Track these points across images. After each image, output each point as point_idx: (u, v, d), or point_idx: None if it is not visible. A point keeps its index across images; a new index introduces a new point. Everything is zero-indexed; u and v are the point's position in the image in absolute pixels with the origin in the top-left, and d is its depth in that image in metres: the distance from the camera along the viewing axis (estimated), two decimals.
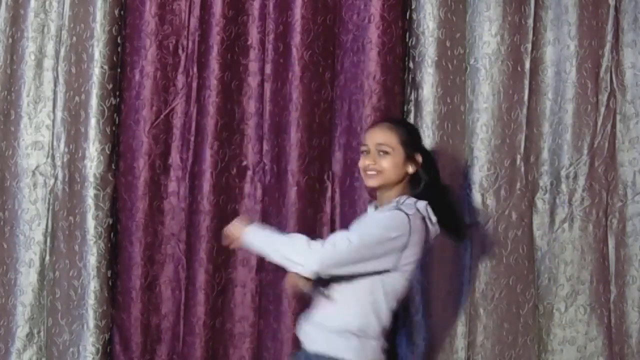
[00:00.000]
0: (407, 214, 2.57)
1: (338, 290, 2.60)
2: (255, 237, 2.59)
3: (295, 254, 2.50)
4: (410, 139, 2.73)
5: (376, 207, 2.75)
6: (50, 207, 3.47)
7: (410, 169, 2.69)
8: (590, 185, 3.37)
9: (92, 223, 3.40)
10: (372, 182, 2.70)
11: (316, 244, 2.51)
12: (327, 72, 3.41)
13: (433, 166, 2.76)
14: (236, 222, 2.68)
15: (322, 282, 2.58)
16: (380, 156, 2.67)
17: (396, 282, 2.60)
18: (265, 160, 3.43)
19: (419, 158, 2.72)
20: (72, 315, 3.43)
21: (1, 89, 3.50)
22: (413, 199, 2.66)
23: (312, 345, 2.63)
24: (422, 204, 2.65)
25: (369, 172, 2.69)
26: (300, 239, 2.54)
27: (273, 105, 3.41)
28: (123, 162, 3.45)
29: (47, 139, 3.49)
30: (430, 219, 2.66)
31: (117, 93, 3.45)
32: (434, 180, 2.74)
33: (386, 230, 2.54)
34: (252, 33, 3.44)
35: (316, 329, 2.63)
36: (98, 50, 3.40)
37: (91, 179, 3.41)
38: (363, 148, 2.74)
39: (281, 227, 3.37)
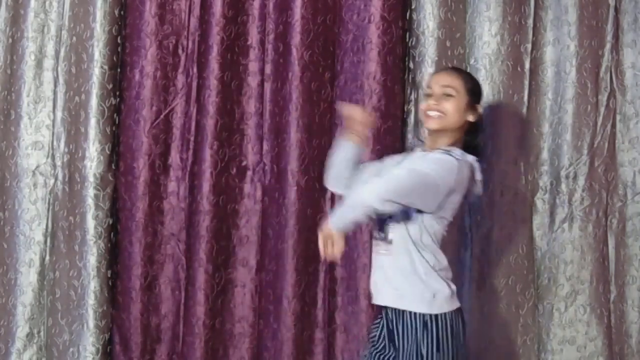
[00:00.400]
0: (456, 159, 2.56)
1: (394, 237, 2.60)
2: (338, 219, 2.52)
3: (362, 197, 2.48)
4: (475, 87, 2.72)
5: (424, 152, 2.72)
6: (50, 207, 3.47)
7: (471, 117, 2.68)
8: (590, 185, 3.37)
9: (92, 223, 3.40)
10: (432, 124, 2.66)
11: (373, 179, 2.54)
12: (327, 72, 3.41)
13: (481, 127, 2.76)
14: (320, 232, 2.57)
15: (380, 226, 2.62)
16: (444, 98, 2.65)
17: (436, 226, 2.58)
18: (265, 160, 3.44)
19: (480, 109, 2.71)
20: (72, 315, 3.43)
21: (1, 89, 3.50)
22: (461, 151, 2.64)
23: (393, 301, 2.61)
24: (471, 157, 2.64)
25: (430, 113, 2.66)
26: (359, 188, 2.57)
27: (273, 105, 3.41)
28: (123, 162, 3.45)
29: (47, 139, 3.49)
30: (474, 175, 2.64)
31: (117, 93, 3.45)
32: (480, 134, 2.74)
33: (435, 170, 2.50)
34: (252, 33, 3.44)
35: (388, 283, 2.61)
36: (98, 50, 3.40)
37: (91, 179, 3.41)
38: (427, 91, 2.71)
39: (281, 227, 3.38)
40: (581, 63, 3.36)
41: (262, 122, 3.43)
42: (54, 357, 3.45)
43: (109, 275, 3.43)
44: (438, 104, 2.65)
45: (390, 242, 2.60)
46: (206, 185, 3.37)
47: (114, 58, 3.43)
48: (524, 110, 3.38)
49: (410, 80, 3.40)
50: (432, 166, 2.52)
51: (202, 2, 3.42)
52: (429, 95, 2.69)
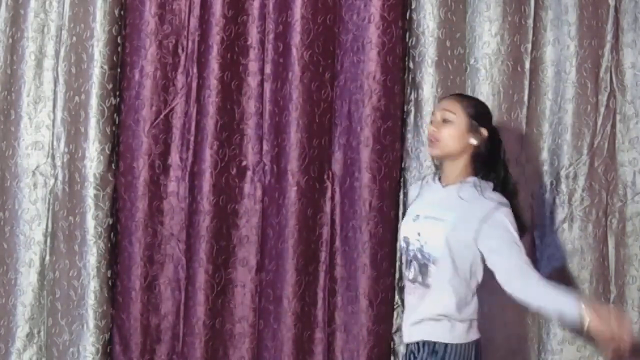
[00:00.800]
0: (505, 207, 2.63)
1: (433, 282, 2.68)
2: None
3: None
4: (477, 111, 2.73)
5: (442, 183, 2.75)
6: (50, 207, 3.47)
7: (474, 141, 2.69)
8: (590, 185, 3.37)
9: (92, 223, 3.40)
10: (430, 151, 2.75)
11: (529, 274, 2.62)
12: (327, 72, 3.41)
13: (498, 144, 2.76)
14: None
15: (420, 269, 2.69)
16: (442, 125, 2.69)
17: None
18: (265, 160, 3.43)
19: (484, 132, 2.72)
20: (72, 315, 3.43)
21: (1, 89, 3.50)
22: (483, 181, 2.68)
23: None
24: (489, 187, 2.69)
25: (430, 139, 2.72)
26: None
27: (273, 105, 3.41)
28: (123, 162, 3.45)
29: (47, 139, 3.49)
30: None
31: (117, 93, 3.45)
32: (498, 158, 2.75)
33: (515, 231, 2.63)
34: (252, 33, 3.44)
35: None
36: (98, 50, 3.40)
37: (91, 179, 3.41)
38: (431, 117, 2.78)
39: (281, 227, 3.38)
40: (581, 63, 3.36)
41: (262, 122, 3.43)
42: (54, 357, 3.45)
43: (109, 275, 3.43)
44: (436, 131, 2.69)
45: (427, 286, 2.65)
46: (206, 185, 3.37)
47: (114, 58, 3.43)
48: (524, 110, 3.38)
49: (410, 80, 3.39)
50: (514, 231, 2.62)
51: (202, 2, 3.42)
52: (433, 120, 2.75)
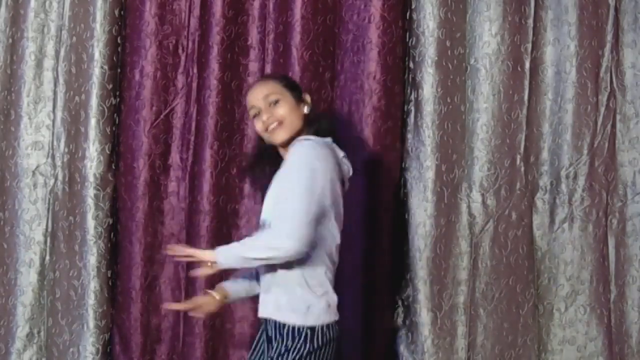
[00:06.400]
0: (309, 139, 2.49)
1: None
2: (228, 252, 2.51)
3: (269, 242, 2.44)
4: (288, 81, 2.66)
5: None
6: (50, 207, 3.47)
7: (306, 109, 2.61)
8: (590, 185, 3.37)
9: (92, 223, 3.40)
10: (280, 136, 2.57)
11: (275, 228, 2.45)
12: (327, 72, 3.41)
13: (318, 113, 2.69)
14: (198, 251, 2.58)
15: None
16: (273, 107, 2.58)
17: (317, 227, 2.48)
18: None
19: (307, 97, 2.65)
20: (72, 315, 3.43)
21: (1, 89, 3.50)
22: (313, 137, 2.56)
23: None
24: (326, 140, 2.57)
25: (271, 127, 2.57)
26: (261, 234, 2.50)
27: None
28: (123, 162, 3.45)
29: (47, 139, 3.49)
30: (338, 154, 2.57)
31: (117, 93, 3.45)
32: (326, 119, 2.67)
33: (310, 164, 2.43)
34: (252, 33, 3.44)
35: None
36: (98, 50, 3.40)
37: (91, 179, 3.41)
38: (252, 111, 2.61)
39: None
40: (581, 63, 3.36)
41: None
42: (54, 357, 3.45)
43: (109, 275, 3.42)
44: (272, 115, 2.57)
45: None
46: (206, 185, 3.37)
47: (114, 58, 3.43)
48: (524, 110, 3.38)
49: (410, 80, 3.39)
50: (303, 168, 2.42)
51: (202, 2, 3.42)
52: (256, 116, 2.61)
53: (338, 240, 2.55)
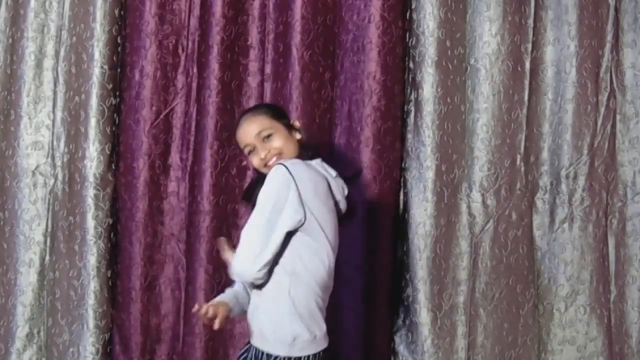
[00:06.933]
0: (283, 165, 2.44)
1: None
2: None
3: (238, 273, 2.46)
4: (275, 111, 2.62)
5: None
6: (50, 207, 3.47)
7: (298, 135, 2.59)
8: (590, 185, 3.37)
9: (92, 223, 3.40)
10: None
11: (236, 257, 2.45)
12: (327, 72, 3.41)
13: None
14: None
15: None
16: (267, 141, 2.54)
17: (307, 250, 2.45)
18: None
19: (297, 123, 2.63)
20: (72, 315, 3.42)
21: (1, 89, 3.50)
22: (299, 160, 2.52)
23: None
24: (314, 162, 2.54)
25: (270, 162, 2.52)
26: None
27: None
28: (123, 162, 3.45)
29: (47, 139, 3.49)
30: (329, 173, 2.54)
31: (117, 93, 3.45)
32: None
33: (273, 191, 2.40)
34: (252, 33, 3.44)
35: None
36: (98, 50, 3.40)
37: (91, 179, 3.41)
38: (246, 149, 2.58)
39: None
40: (581, 63, 3.36)
41: None
42: (54, 357, 3.45)
43: (109, 275, 3.42)
44: (268, 151, 2.53)
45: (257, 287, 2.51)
46: (206, 185, 3.37)
47: (114, 58, 3.43)
48: (524, 110, 3.38)
49: (410, 80, 3.39)
50: (266, 195, 2.40)
51: (202, 2, 3.42)
52: (251, 152, 2.57)
53: (331, 264, 2.49)
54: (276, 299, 2.45)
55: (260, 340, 2.48)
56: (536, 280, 3.37)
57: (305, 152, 2.58)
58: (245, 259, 2.41)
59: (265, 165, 2.54)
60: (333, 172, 2.57)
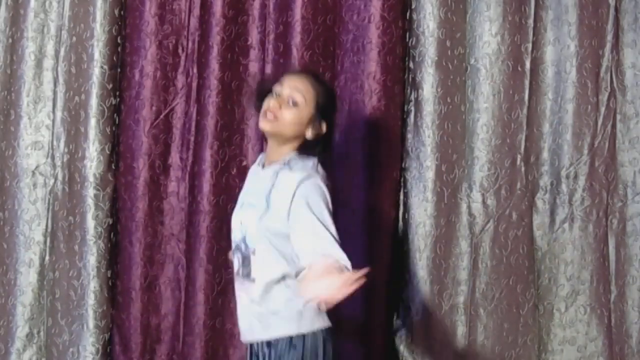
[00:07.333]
0: (310, 176, 2.41)
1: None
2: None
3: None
4: (325, 102, 2.53)
5: (263, 165, 2.57)
6: (50, 207, 3.47)
7: (309, 134, 2.50)
8: (590, 185, 3.37)
9: (92, 223, 3.39)
10: (265, 125, 2.48)
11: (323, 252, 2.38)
12: (327, 72, 3.41)
13: (329, 142, 2.59)
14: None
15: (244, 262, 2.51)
16: (287, 106, 2.47)
17: None
18: None
19: (324, 127, 2.52)
20: (72, 315, 3.42)
21: (1, 89, 3.49)
22: (302, 159, 2.49)
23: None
24: (313, 161, 2.49)
25: (268, 116, 2.47)
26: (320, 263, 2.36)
27: None
28: (123, 162, 3.45)
29: (47, 139, 3.49)
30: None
31: (117, 93, 3.45)
32: (325, 145, 2.58)
33: (324, 195, 2.40)
34: (252, 33, 3.44)
35: None
36: (98, 50, 3.40)
37: (91, 179, 3.40)
38: (276, 89, 2.50)
39: None
40: (581, 63, 3.36)
41: None
42: (54, 357, 3.44)
43: (109, 275, 3.42)
44: (279, 108, 2.46)
45: (252, 280, 2.47)
46: (206, 185, 3.37)
47: (114, 58, 3.43)
48: (524, 110, 3.38)
49: (410, 80, 3.39)
50: (320, 199, 2.39)
51: (202, 2, 3.42)
52: (276, 94, 2.49)
53: None
54: (273, 289, 2.44)
55: (265, 331, 2.44)
56: (536, 280, 3.37)
57: (303, 149, 2.52)
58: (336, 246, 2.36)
59: (264, 111, 2.49)
60: (324, 173, 2.53)
